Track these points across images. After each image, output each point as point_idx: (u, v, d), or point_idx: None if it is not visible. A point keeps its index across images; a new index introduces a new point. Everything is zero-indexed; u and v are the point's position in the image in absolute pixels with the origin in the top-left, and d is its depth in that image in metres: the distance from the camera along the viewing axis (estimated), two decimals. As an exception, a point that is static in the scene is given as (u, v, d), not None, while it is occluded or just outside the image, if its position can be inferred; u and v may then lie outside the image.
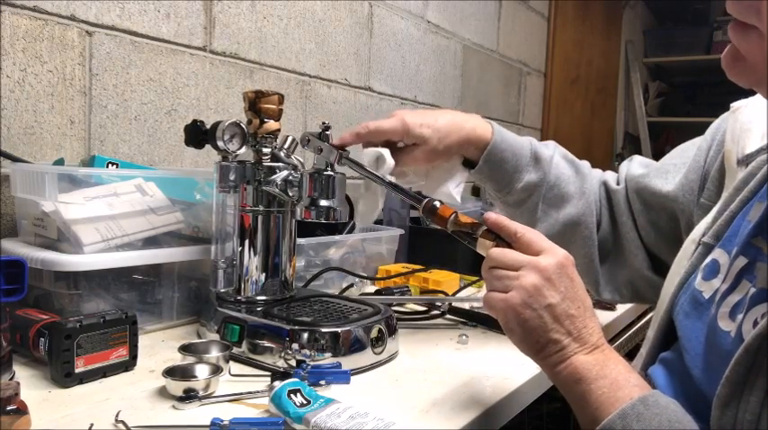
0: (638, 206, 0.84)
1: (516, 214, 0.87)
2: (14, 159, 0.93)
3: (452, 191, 0.86)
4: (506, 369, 0.79)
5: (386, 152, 0.80)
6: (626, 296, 0.88)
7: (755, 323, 0.50)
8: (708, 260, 0.62)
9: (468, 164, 0.86)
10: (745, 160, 0.67)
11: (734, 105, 0.75)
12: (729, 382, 0.47)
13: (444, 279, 1.23)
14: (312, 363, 0.72)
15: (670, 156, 0.84)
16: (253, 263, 0.86)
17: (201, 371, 0.69)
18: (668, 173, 0.81)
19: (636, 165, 0.87)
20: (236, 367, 0.75)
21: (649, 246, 0.84)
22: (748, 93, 0.59)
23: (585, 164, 0.91)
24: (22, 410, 0.55)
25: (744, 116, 0.71)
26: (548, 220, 0.85)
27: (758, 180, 0.62)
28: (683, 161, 0.80)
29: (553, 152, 0.87)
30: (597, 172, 0.91)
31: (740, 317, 0.52)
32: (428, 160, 0.83)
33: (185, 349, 0.73)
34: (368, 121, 0.82)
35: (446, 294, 1.19)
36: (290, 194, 0.83)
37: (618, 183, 0.88)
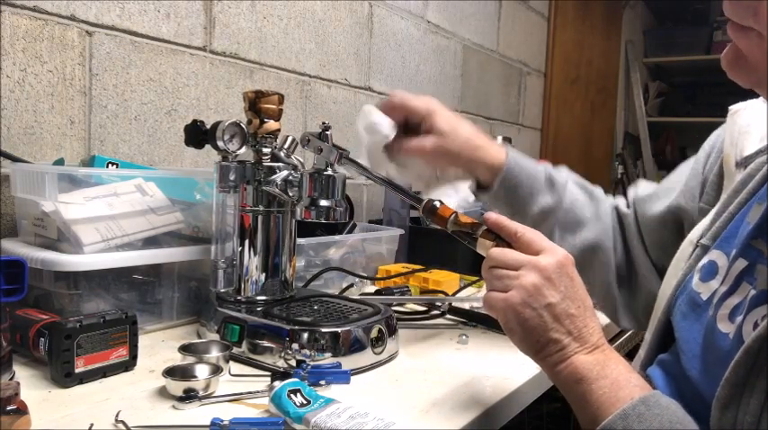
0: (649, 226, 0.83)
1: None
2: (14, 159, 0.93)
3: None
4: (506, 369, 0.79)
5: (385, 120, 0.79)
6: (643, 323, 0.87)
7: (755, 325, 0.50)
8: (704, 261, 0.62)
9: (481, 188, 0.85)
10: (743, 162, 0.67)
11: (732, 108, 0.75)
12: (729, 384, 0.47)
13: (444, 279, 1.23)
14: (312, 363, 0.72)
15: (672, 175, 0.83)
16: (253, 263, 0.86)
17: (201, 371, 0.69)
18: (674, 190, 0.80)
19: (641, 188, 0.87)
20: (236, 367, 0.75)
21: (660, 268, 0.83)
22: (748, 93, 0.59)
23: (598, 189, 0.90)
24: (22, 410, 0.55)
25: (742, 119, 0.71)
26: (564, 246, 0.84)
27: (757, 181, 0.62)
28: (679, 177, 0.80)
29: (567, 177, 0.86)
30: (609, 197, 0.91)
31: (740, 319, 0.52)
32: (436, 156, 0.81)
33: (185, 349, 0.73)
34: (399, 93, 0.80)
35: (446, 294, 1.19)
36: (290, 194, 0.83)
37: (628, 207, 0.87)
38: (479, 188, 0.85)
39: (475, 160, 0.81)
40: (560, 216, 0.83)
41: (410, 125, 0.81)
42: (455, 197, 0.84)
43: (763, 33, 0.46)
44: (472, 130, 0.81)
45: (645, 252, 0.84)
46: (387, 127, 0.79)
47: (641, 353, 0.68)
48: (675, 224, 0.79)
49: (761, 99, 0.72)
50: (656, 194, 0.83)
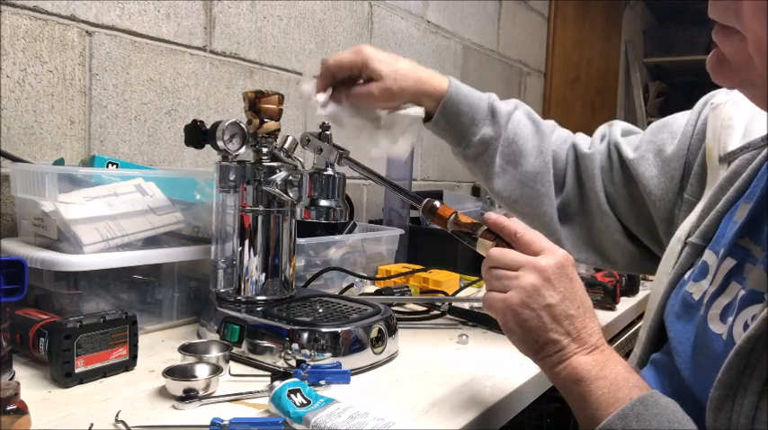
0: (619, 177, 0.83)
1: (474, 168, 0.87)
2: (14, 159, 0.93)
3: (400, 144, 0.84)
4: (506, 369, 0.79)
5: (316, 94, 0.80)
6: (591, 258, 0.87)
7: (746, 325, 0.50)
8: (699, 262, 0.62)
9: (427, 119, 0.86)
10: (727, 158, 0.67)
11: (714, 101, 0.75)
12: (722, 385, 0.47)
13: (444, 279, 1.23)
14: (312, 363, 0.72)
15: (652, 131, 0.82)
16: (253, 263, 0.86)
17: (201, 371, 0.69)
18: (648, 153, 0.79)
19: (618, 131, 0.86)
20: (236, 367, 0.75)
21: (620, 217, 0.84)
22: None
23: (550, 123, 0.90)
24: (22, 410, 0.55)
25: (724, 113, 0.71)
26: (505, 176, 0.85)
27: (743, 179, 0.62)
28: (662, 138, 0.79)
29: (513, 109, 0.87)
30: (564, 132, 0.91)
31: (731, 319, 0.52)
32: (382, 99, 0.81)
33: (185, 349, 0.73)
34: (326, 58, 0.81)
35: (446, 294, 1.19)
36: (290, 194, 0.83)
37: (590, 148, 0.87)
38: (425, 119, 0.86)
39: (419, 92, 0.82)
40: (502, 147, 0.84)
41: (351, 79, 0.82)
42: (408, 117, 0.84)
43: (746, 35, 0.46)
44: (411, 64, 0.83)
45: (603, 194, 0.84)
46: (320, 98, 0.80)
47: (636, 351, 0.68)
48: (643, 191, 0.79)
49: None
50: (635, 159, 0.80)
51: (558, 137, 0.89)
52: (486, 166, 0.85)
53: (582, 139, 0.90)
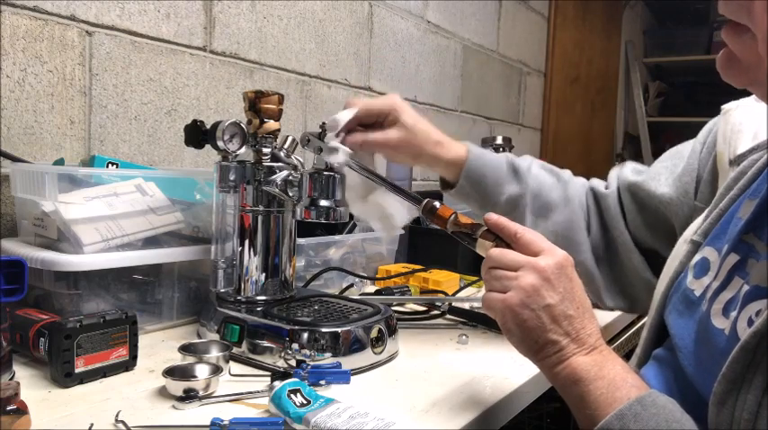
0: (632, 208, 0.84)
1: None
2: (14, 159, 0.93)
3: (401, 213, 0.84)
4: (506, 369, 0.79)
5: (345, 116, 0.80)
6: (627, 302, 0.87)
7: (750, 321, 0.50)
8: (697, 258, 0.62)
9: (446, 185, 0.86)
10: (736, 160, 0.68)
11: (725, 107, 0.76)
12: (726, 380, 0.47)
13: (444, 279, 1.23)
14: (312, 363, 0.72)
15: (662, 159, 0.84)
16: (253, 263, 0.86)
17: (201, 371, 0.69)
18: (661, 175, 0.81)
19: (628, 170, 0.88)
20: (236, 367, 0.75)
21: (646, 247, 0.84)
22: (748, 92, 0.59)
23: (566, 172, 0.91)
24: (22, 410, 0.55)
25: (734, 118, 0.72)
26: (537, 230, 0.85)
27: (748, 178, 0.63)
28: (674, 163, 0.81)
29: (530, 163, 0.87)
30: (580, 179, 0.92)
31: (734, 314, 0.52)
32: (399, 149, 0.82)
33: (185, 349, 0.73)
34: (355, 101, 0.81)
35: (446, 294, 1.19)
36: (290, 194, 0.83)
37: (607, 188, 0.88)
38: (444, 186, 0.86)
39: (437, 156, 0.83)
40: (529, 202, 0.85)
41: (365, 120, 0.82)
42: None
43: (757, 34, 0.47)
44: (433, 127, 0.83)
45: (627, 232, 0.84)
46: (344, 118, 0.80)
47: (638, 350, 0.68)
48: (662, 213, 0.80)
49: (753, 97, 0.73)
50: (645, 181, 0.83)
51: (577, 183, 0.90)
52: None
53: (598, 182, 0.91)
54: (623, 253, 0.85)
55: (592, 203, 0.88)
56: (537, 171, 0.87)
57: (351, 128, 0.81)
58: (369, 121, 0.82)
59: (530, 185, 0.85)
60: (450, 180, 0.86)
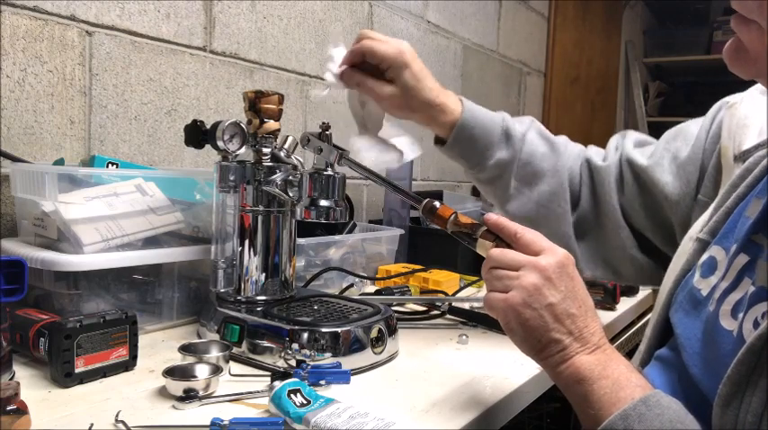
0: (632, 188, 0.83)
1: (489, 191, 0.87)
2: (14, 159, 0.93)
3: (403, 146, 0.83)
4: (506, 369, 0.79)
5: (336, 66, 0.81)
6: (604, 274, 0.87)
7: (756, 322, 0.50)
8: (705, 257, 0.62)
9: (439, 142, 0.85)
10: (742, 156, 0.67)
11: (730, 100, 0.75)
12: (731, 382, 0.47)
13: (444, 279, 1.23)
14: (312, 363, 0.72)
15: (666, 138, 0.82)
16: (253, 263, 0.86)
17: (201, 371, 0.69)
18: (664, 159, 0.80)
19: (631, 144, 0.86)
20: (236, 367, 0.75)
21: (637, 227, 0.83)
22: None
23: (562, 139, 0.89)
24: (22, 410, 0.55)
25: (740, 112, 0.71)
26: (521, 198, 0.84)
27: (755, 176, 0.62)
28: (677, 146, 0.79)
29: (527, 129, 0.85)
30: (577, 147, 0.90)
31: (741, 315, 0.52)
32: (391, 106, 0.80)
33: (185, 349, 0.73)
34: (366, 33, 0.80)
35: (446, 294, 1.19)
36: (290, 194, 0.83)
37: (604, 160, 0.86)
38: (437, 142, 0.85)
39: (430, 118, 0.82)
40: (517, 169, 0.84)
41: (378, 68, 0.80)
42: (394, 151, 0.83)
43: (764, 26, 0.47)
44: (435, 87, 0.81)
45: (619, 208, 0.84)
46: (332, 69, 0.80)
47: (641, 348, 0.68)
48: (661, 200, 0.79)
49: (757, 90, 0.72)
50: (649, 167, 0.81)
51: (572, 153, 0.89)
52: (500, 189, 0.84)
53: (595, 152, 0.89)
54: (611, 227, 0.84)
55: (586, 175, 0.87)
56: (532, 137, 0.85)
57: (354, 63, 0.80)
58: (373, 63, 0.80)
59: (521, 152, 0.83)
60: (441, 137, 0.84)
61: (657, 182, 0.79)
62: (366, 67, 0.80)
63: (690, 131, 0.80)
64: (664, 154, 0.80)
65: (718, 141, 0.74)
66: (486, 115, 0.84)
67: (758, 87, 0.72)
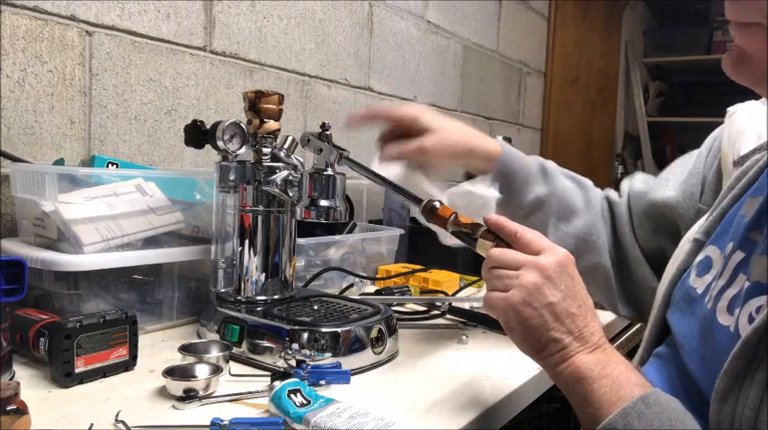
0: (640, 217, 0.85)
1: (525, 225, 0.87)
2: (14, 159, 0.93)
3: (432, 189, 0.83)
4: (506, 369, 0.79)
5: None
6: (637, 311, 0.88)
7: (751, 317, 0.50)
8: (701, 257, 0.62)
9: (470, 178, 0.86)
10: (740, 161, 0.68)
11: (729, 110, 0.77)
12: (728, 376, 0.48)
13: (444, 279, 1.23)
14: (312, 363, 0.72)
15: (670, 167, 0.85)
16: (253, 263, 0.86)
17: (201, 371, 0.69)
18: (668, 181, 0.82)
19: (638, 180, 0.89)
20: (236, 367, 0.75)
21: (653, 258, 0.84)
22: (748, 92, 0.59)
23: (586, 179, 0.92)
24: (22, 410, 0.55)
25: (739, 119, 0.73)
26: (558, 234, 0.85)
27: (750, 177, 0.63)
28: (681, 169, 0.82)
29: (556, 167, 0.88)
30: (597, 188, 0.93)
31: (737, 311, 0.53)
32: (436, 153, 0.81)
33: (185, 349, 0.73)
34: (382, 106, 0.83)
35: (446, 294, 1.19)
36: (290, 194, 0.83)
37: (620, 197, 0.89)
38: (468, 178, 0.86)
39: (473, 150, 0.83)
40: (553, 205, 0.85)
41: (396, 134, 0.82)
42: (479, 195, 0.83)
43: (765, 25, 0.47)
44: (461, 124, 0.83)
45: (635, 241, 0.85)
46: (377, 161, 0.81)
47: (641, 349, 0.68)
48: (669, 217, 0.81)
49: (759, 101, 0.74)
50: (652, 188, 0.84)
51: (596, 190, 0.91)
52: (538, 227, 0.85)
53: (612, 192, 0.92)
54: (631, 262, 0.85)
55: (607, 212, 0.89)
56: (561, 176, 0.88)
57: (386, 140, 0.82)
58: (394, 123, 0.82)
59: (556, 187, 0.85)
60: (478, 174, 0.85)
61: (660, 197, 0.81)
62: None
63: (692, 157, 0.82)
64: (668, 176, 0.83)
65: (718, 155, 0.76)
66: (521, 153, 0.86)
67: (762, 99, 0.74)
